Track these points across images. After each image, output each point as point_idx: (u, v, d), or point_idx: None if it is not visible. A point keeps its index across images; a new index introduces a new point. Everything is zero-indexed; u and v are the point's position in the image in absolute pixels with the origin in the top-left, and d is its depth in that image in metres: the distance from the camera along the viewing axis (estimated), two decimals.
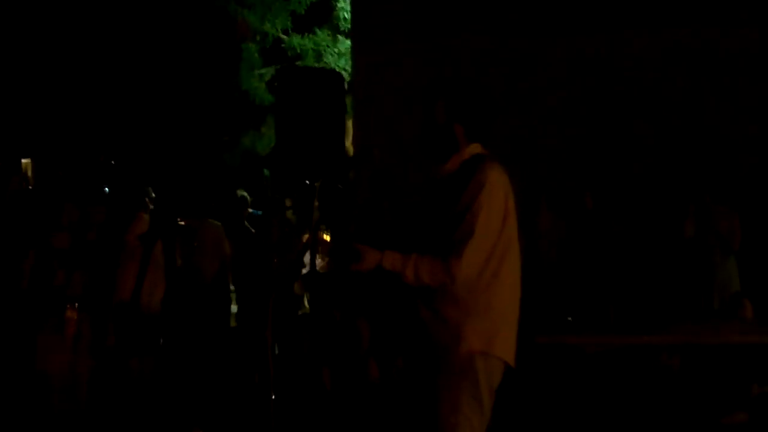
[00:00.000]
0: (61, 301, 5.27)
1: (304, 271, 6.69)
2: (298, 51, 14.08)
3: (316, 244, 3.54)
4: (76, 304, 5.25)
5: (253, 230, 7.93)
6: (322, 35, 13.98)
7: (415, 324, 3.23)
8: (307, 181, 3.82)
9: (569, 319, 6.05)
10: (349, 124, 9.99)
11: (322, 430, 4.80)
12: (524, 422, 5.01)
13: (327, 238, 3.39)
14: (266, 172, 16.59)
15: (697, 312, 7.16)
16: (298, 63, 14.06)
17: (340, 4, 13.58)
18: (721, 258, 7.46)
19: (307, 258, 6.57)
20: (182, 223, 6.44)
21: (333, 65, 13.63)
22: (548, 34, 8.69)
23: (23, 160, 17.56)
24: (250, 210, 8.62)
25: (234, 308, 7.95)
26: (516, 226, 3.21)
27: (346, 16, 13.25)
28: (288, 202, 7.94)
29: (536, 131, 8.61)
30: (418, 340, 3.23)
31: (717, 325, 6.06)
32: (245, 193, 8.61)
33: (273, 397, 3.71)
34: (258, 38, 14.57)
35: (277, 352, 6.41)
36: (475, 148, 3.26)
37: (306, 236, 6.73)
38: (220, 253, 7.15)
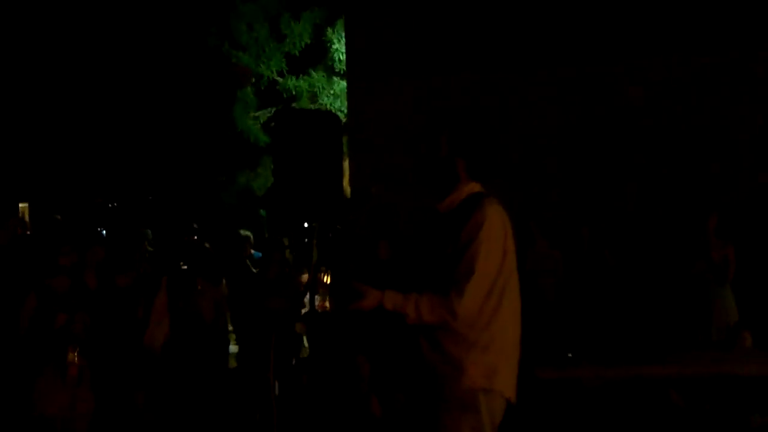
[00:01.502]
0: (62, 344, 5.28)
1: (304, 311, 6.70)
2: (293, 92, 14.19)
3: (315, 284, 3.57)
4: (77, 347, 5.25)
5: (254, 270, 7.95)
6: (317, 76, 14.10)
7: (417, 360, 3.24)
8: (306, 223, 3.85)
9: (569, 355, 6.05)
10: (346, 164, 10.04)
11: None
12: None
13: (327, 279, 3.40)
14: (263, 212, 16.63)
15: (695, 343, 7.16)
16: (294, 104, 14.16)
17: (335, 46, 13.71)
18: (717, 288, 7.49)
19: (307, 298, 6.61)
20: (184, 267, 6.47)
21: (328, 106, 13.73)
22: (542, 66, 8.79)
23: (21, 205, 17.60)
24: (252, 251, 8.63)
25: (233, 348, 7.93)
26: (515, 262, 3.24)
27: (341, 57, 13.38)
28: (285, 242, 7.98)
29: (529, 164, 8.68)
30: (419, 375, 3.25)
31: (717, 356, 6.06)
32: (249, 233, 8.63)
33: None
34: (253, 80, 14.70)
35: (278, 392, 6.40)
36: (474, 187, 3.29)
37: (305, 276, 6.77)
38: (218, 294, 7.17)
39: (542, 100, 8.78)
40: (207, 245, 8.06)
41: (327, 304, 3.39)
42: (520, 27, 8.84)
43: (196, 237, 8.11)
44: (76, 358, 5.17)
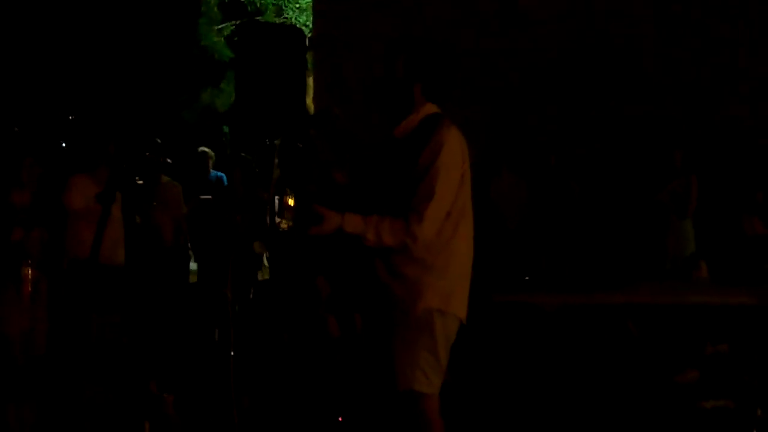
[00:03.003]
0: (19, 259, 5.22)
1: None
2: (258, 5, 13.90)
3: (278, 204, 3.53)
4: (30, 261, 5.21)
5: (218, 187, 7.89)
6: None
7: (373, 281, 3.25)
8: (267, 139, 3.80)
9: (526, 278, 6.12)
10: (310, 81, 9.91)
11: (281, 387, 4.84)
12: (481, 377, 5.08)
13: (292, 202, 3.36)
14: (225, 128, 16.45)
15: (652, 273, 7.28)
16: (259, 18, 13.89)
17: None
18: (677, 219, 7.59)
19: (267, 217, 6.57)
20: (140, 182, 6.38)
21: (294, 21, 13.49)
22: None
23: None
24: (212, 170, 8.55)
25: (193, 265, 7.92)
26: (470, 186, 3.24)
27: None
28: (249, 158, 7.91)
29: (500, 90, 8.61)
30: (375, 297, 3.26)
31: (672, 285, 6.16)
32: (208, 149, 8.54)
33: (232, 353, 3.73)
34: None
35: (237, 308, 6.41)
36: (430, 108, 3.26)
37: (266, 194, 6.72)
38: (177, 212, 7.13)
39: (518, 28, 8.64)
40: (169, 161, 7.96)
41: (284, 225, 3.34)
42: None
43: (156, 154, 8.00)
44: (30, 274, 5.12)
